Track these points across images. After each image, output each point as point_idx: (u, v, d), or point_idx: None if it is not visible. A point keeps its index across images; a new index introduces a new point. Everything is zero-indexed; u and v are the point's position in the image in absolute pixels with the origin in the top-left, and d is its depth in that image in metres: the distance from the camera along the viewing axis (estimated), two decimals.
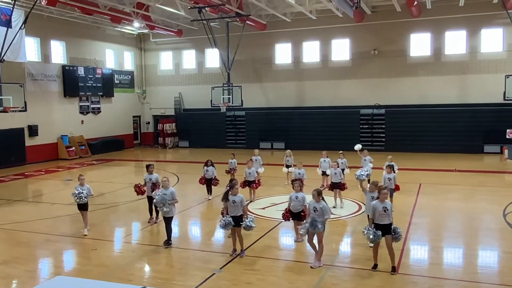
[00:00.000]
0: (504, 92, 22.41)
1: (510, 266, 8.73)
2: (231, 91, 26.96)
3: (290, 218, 10.14)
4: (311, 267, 8.65)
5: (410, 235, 10.64)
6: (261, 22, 27.50)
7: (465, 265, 9.04)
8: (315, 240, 8.79)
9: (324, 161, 16.07)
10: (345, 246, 10.46)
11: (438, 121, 25.84)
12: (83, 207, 11.11)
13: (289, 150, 17.59)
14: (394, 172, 12.72)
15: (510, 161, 22.24)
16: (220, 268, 8.73)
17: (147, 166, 12.18)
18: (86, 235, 10.95)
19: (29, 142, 24.91)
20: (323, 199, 8.86)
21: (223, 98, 26.84)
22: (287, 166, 16.97)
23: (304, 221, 9.09)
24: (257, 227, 11.18)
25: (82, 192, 10.94)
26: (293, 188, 10.29)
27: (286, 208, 10.16)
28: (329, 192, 13.62)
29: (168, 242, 10.11)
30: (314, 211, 8.74)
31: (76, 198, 10.99)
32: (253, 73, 30.54)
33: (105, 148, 29.25)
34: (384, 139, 27.22)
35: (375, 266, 8.52)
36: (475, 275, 8.38)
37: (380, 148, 26.57)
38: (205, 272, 8.51)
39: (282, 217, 10.34)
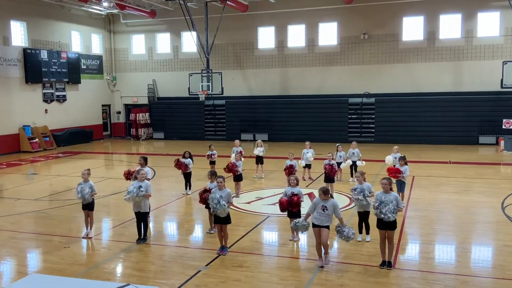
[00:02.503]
0: (502, 80, 22.85)
1: (511, 260, 9.02)
2: (210, 78, 26.90)
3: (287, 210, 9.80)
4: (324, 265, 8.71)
5: (405, 229, 10.91)
6: (243, 3, 27.44)
7: (463, 259, 9.29)
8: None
9: (307, 152, 16.26)
10: (338, 241, 10.61)
11: (431, 111, 26.28)
12: (87, 206, 10.92)
13: (259, 140, 17.94)
14: (406, 164, 12.79)
15: (507, 153, 22.77)
16: (206, 265, 8.81)
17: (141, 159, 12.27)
18: (91, 237, 10.74)
19: None
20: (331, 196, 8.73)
21: (201, 85, 26.77)
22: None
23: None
24: (244, 222, 11.35)
25: (83, 190, 10.60)
26: (288, 183, 10.25)
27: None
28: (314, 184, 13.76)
29: (144, 239, 10.18)
30: (323, 210, 8.54)
31: (79, 196, 10.61)
32: (234, 59, 30.53)
33: (71, 139, 28.93)
34: (373, 130, 27.58)
35: (383, 263, 8.59)
36: (474, 269, 8.64)
37: (370, 140, 26.98)
38: (189, 270, 8.57)
39: (280, 206, 9.79)
